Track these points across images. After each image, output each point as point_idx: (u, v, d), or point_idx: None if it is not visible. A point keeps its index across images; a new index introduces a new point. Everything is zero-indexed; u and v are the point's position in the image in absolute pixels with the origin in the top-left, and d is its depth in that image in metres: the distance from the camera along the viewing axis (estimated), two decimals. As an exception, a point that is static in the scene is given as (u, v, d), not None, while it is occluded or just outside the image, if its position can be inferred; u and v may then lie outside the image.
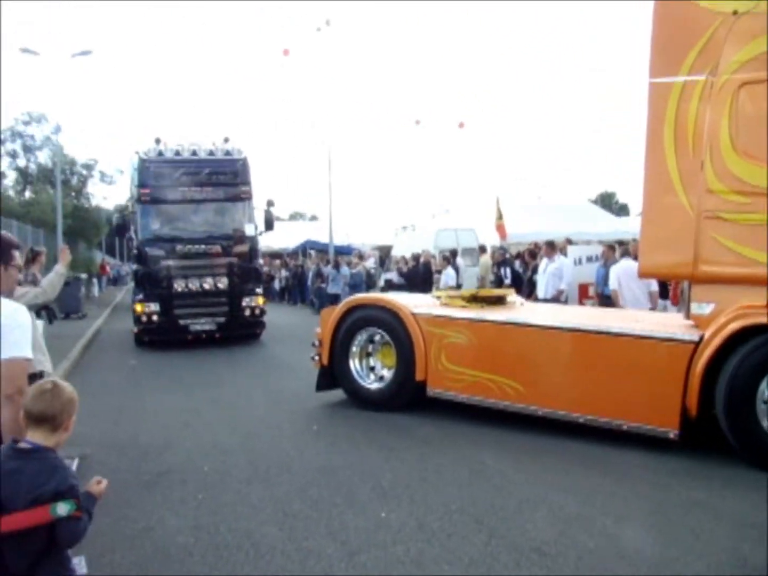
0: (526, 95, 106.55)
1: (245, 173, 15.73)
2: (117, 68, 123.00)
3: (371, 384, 8.75)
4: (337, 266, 21.14)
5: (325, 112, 28.47)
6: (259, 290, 15.63)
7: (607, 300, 11.66)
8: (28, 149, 38.91)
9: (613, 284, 11.03)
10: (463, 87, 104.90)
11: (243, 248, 15.49)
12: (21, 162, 39.41)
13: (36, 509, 2.70)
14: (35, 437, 2.87)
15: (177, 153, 15.32)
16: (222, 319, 15.05)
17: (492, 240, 21.43)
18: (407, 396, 8.41)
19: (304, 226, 47.08)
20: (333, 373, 9.03)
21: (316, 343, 9.19)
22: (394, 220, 37.96)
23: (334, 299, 20.01)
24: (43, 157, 39.41)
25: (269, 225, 16.10)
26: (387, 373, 8.66)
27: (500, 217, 20.97)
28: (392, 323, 8.47)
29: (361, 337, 8.84)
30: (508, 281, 14.88)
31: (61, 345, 13.84)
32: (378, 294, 9.86)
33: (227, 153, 15.61)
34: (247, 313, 15.29)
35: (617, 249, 12.32)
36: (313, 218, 69.17)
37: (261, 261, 17.20)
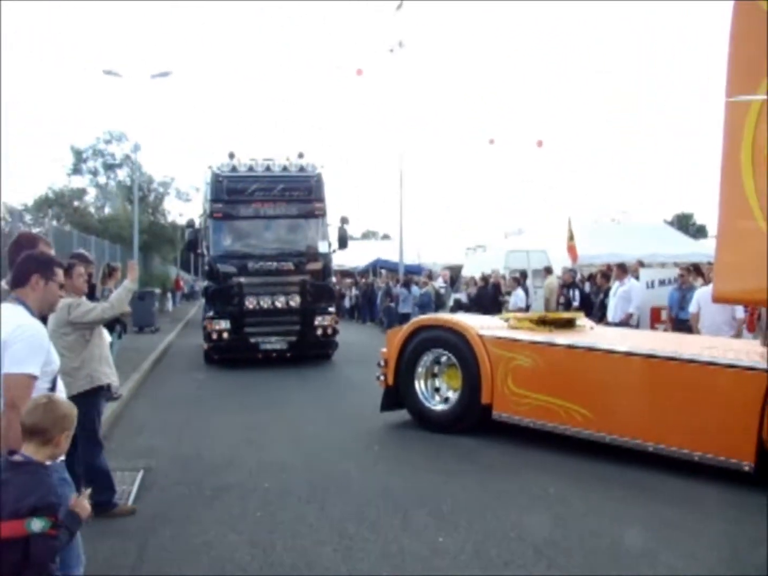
0: (602, 114, 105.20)
1: (319, 189, 15.59)
2: (194, 88, 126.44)
3: (436, 405, 8.72)
4: (407, 286, 21.15)
5: (398, 130, 28.65)
6: (331, 309, 15.42)
7: (681, 324, 11.34)
8: (108, 167, 40.27)
9: (693, 308, 10.69)
10: (539, 105, 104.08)
11: (316, 266, 15.26)
12: (101, 179, 40.82)
13: (13, 522, 2.75)
14: (28, 450, 2.95)
15: (251, 168, 15.27)
16: (293, 338, 14.81)
17: (564, 261, 21.12)
18: (472, 419, 8.35)
19: (375, 244, 47.35)
20: (398, 394, 9.05)
21: (382, 363, 9.23)
22: (466, 240, 37.80)
23: (404, 319, 20.01)
24: (122, 174, 40.78)
25: (343, 243, 15.94)
26: (452, 395, 8.62)
27: (571, 237, 20.60)
28: (459, 345, 8.44)
29: (426, 358, 8.84)
30: (576, 303, 14.63)
31: (133, 358, 14.29)
32: (445, 315, 9.81)
33: (301, 169, 15.50)
34: (319, 332, 14.99)
35: (691, 271, 11.99)
36: (385, 237, 69.50)
37: (334, 279, 17.03)
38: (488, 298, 17.51)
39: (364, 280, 31.51)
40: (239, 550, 5.02)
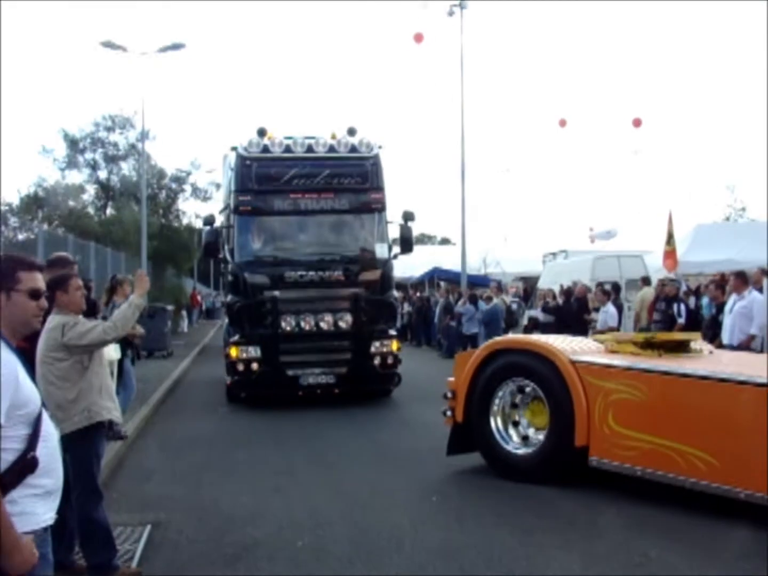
0: (714, 84, 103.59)
1: (377, 175, 14.54)
2: (211, 63, 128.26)
3: (518, 449, 8.58)
4: (474, 302, 21.04)
5: (460, 115, 28.46)
6: (392, 332, 14.53)
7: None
8: (110, 159, 40.89)
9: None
10: (629, 80, 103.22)
11: (373, 275, 14.22)
12: (102, 174, 41.49)
13: None
14: None
15: (287, 149, 14.19)
16: (343, 370, 13.76)
17: (664, 271, 20.84)
18: (563, 465, 8.16)
19: (432, 251, 47.29)
20: (469, 433, 8.93)
21: (449, 394, 9.08)
22: (542, 245, 37.57)
23: (468, 341, 19.96)
24: (128, 168, 41.38)
25: (407, 245, 15.04)
26: (537, 436, 8.49)
27: (670, 240, 20.24)
28: (545, 373, 8.26)
29: (505, 390, 8.71)
30: (681, 321, 14.40)
31: (141, 389, 14.33)
32: (527, 336, 9.60)
33: (353, 149, 14.43)
34: (377, 361, 13.92)
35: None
36: (444, 242, 69.57)
37: (396, 293, 16.03)
38: (572, 315, 17.33)
39: (418, 294, 31.51)
40: (267, 622, 5.03)
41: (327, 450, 10.27)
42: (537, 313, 21.33)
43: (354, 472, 9.04)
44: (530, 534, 6.65)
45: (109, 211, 40.65)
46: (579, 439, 7.89)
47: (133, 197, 37.49)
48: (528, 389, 8.56)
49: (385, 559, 6.12)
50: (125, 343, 10.27)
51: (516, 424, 8.70)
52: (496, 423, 8.69)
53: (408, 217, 14.87)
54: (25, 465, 3.07)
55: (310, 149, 14.23)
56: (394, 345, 14.21)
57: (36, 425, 3.15)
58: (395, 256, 14.98)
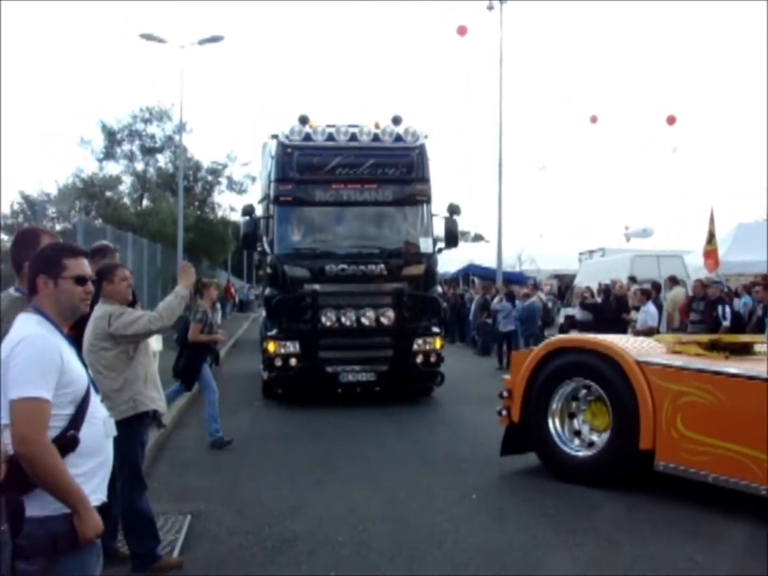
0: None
1: (423, 166, 14.13)
2: (251, 56, 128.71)
3: (577, 451, 8.43)
4: (511, 298, 20.89)
5: (498, 110, 28.29)
6: (436, 329, 14.23)
7: None
8: (147, 151, 41.18)
9: None
10: (666, 77, 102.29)
11: (417, 270, 13.90)
12: (139, 166, 41.79)
13: None
14: None
15: (330, 137, 13.79)
16: (385, 367, 13.46)
17: (703, 270, 20.58)
18: (627, 468, 7.97)
19: (466, 247, 47.11)
20: (525, 434, 8.81)
21: (505, 393, 8.94)
22: (578, 243, 37.28)
23: (506, 339, 19.81)
24: (164, 160, 41.64)
25: (452, 239, 14.51)
26: (597, 438, 8.35)
27: (711, 239, 19.93)
28: (609, 374, 8.07)
29: (564, 390, 8.58)
30: (727, 323, 14.23)
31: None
32: (589, 335, 9.42)
33: (399, 138, 14.01)
34: (420, 359, 13.63)
35: None
36: (478, 238, 69.38)
37: (440, 289, 15.49)
38: (610, 313, 17.17)
39: (452, 291, 31.41)
40: (310, 617, 5.01)
41: (366, 447, 10.25)
42: (574, 311, 21.15)
43: (393, 470, 9.00)
44: (575, 535, 6.57)
45: (145, 202, 40.96)
46: (644, 443, 7.69)
47: (169, 189, 37.74)
48: (589, 390, 8.45)
49: (427, 557, 6.09)
50: (205, 348, 10.48)
51: (575, 425, 8.59)
52: (554, 424, 8.55)
53: (454, 210, 14.50)
54: (65, 443, 3.14)
55: (353, 138, 13.85)
56: (438, 342, 13.91)
57: (81, 406, 3.24)
58: (440, 251, 14.55)
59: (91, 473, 3.24)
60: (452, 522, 6.95)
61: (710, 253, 19.92)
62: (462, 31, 27.25)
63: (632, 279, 19.95)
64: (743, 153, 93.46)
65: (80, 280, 3.41)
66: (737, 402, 7.19)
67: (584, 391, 8.49)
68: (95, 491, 3.25)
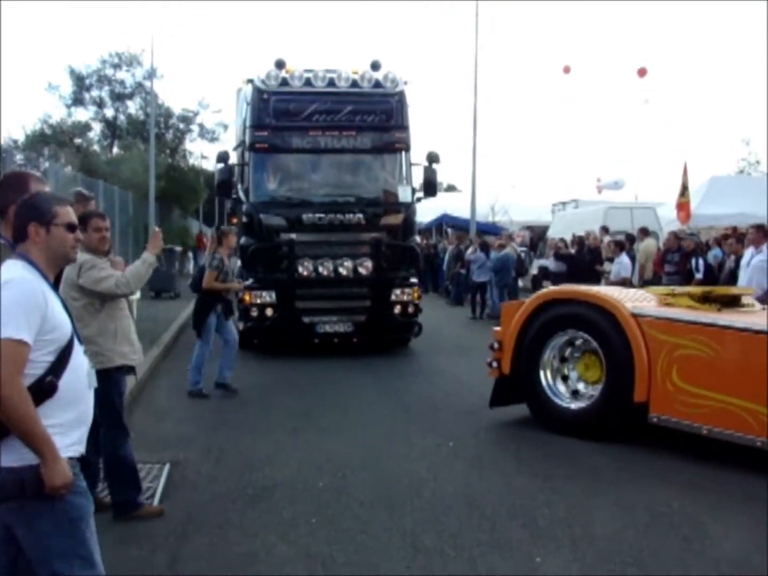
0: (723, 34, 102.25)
1: (402, 113, 13.83)
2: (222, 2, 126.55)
3: (569, 403, 8.38)
4: (485, 249, 20.91)
5: (471, 56, 27.92)
6: (414, 279, 14.04)
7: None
8: (117, 97, 40.58)
9: None
10: (637, 26, 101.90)
11: (395, 219, 13.63)
12: (108, 112, 41.23)
13: None
14: None
15: (308, 82, 13.43)
16: (362, 318, 13.38)
17: (676, 223, 20.70)
18: (620, 420, 7.96)
19: (440, 197, 46.99)
20: (515, 385, 8.78)
21: (495, 345, 8.85)
22: (551, 194, 37.39)
23: (479, 290, 19.88)
24: (134, 107, 41.08)
25: (430, 188, 14.11)
26: (588, 390, 8.32)
27: (684, 192, 20.03)
28: (603, 325, 8.02)
29: (557, 342, 8.50)
30: (699, 275, 14.34)
31: (151, 329, 14.42)
32: (583, 287, 9.28)
33: (377, 84, 13.67)
34: (398, 309, 13.55)
35: None
36: (451, 188, 69.16)
37: (418, 238, 15.28)
38: (584, 265, 17.25)
39: (426, 241, 31.36)
40: (291, 564, 5.04)
41: (343, 397, 10.26)
42: (548, 262, 21.26)
43: (371, 419, 9.05)
44: (552, 481, 6.65)
45: (115, 150, 40.50)
46: (638, 395, 7.67)
47: (140, 136, 37.29)
48: (580, 342, 8.41)
49: (406, 504, 6.12)
50: (217, 297, 10.25)
51: (566, 377, 8.53)
52: (545, 376, 8.49)
53: (433, 158, 14.15)
54: (43, 389, 3.10)
55: (331, 83, 13.54)
56: (415, 293, 13.83)
57: (63, 354, 3.21)
58: (418, 200, 14.28)
59: (70, 424, 3.20)
60: (430, 470, 7.00)
61: (683, 205, 20.05)
62: None
63: (605, 230, 20.04)
64: (717, 107, 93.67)
65: (71, 227, 3.41)
66: (734, 355, 7.21)
67: (578, 342, 8.43)
68: (75, 443, 3.23)
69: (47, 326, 3.14)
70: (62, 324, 3.23)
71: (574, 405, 8.33)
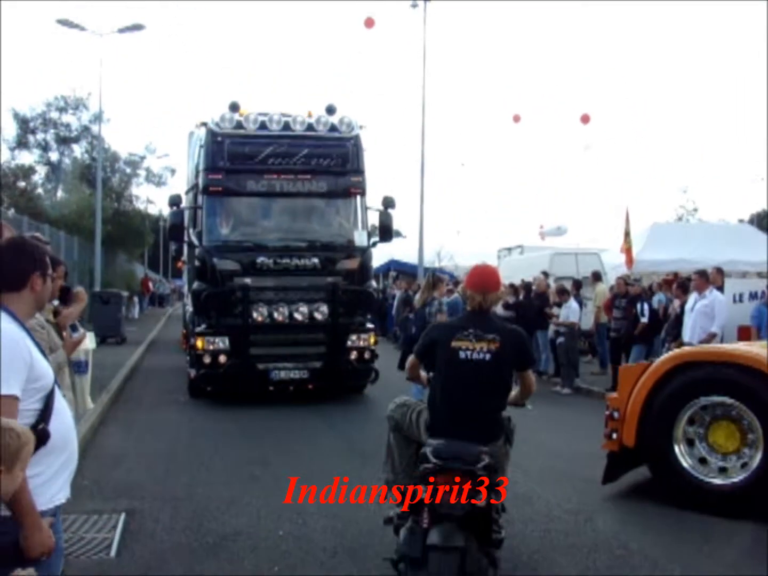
0: (661, 86, 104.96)
1: (358, 158, 13.77)
2: (172, 46, 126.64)
3: (713, 477, 7.40)
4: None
5: (418, 105, 28.30)
6: (370, 325, 13.78)
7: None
8: (62, 141, 40.23)
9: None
10: (579, 77, 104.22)
11: (351, 264, 13.44)
12: (53, 155, 40.79)
13: None
14: None
15: (262, 125, 13.31)
16: (318, 364, 13.07)
17: (621, 268, 21.04)
18: None
19: (386, 243, 47.44)
20: (635, 458, 7.94)
21: (615, 415, 7.87)
22: (495, 240, 37.73)
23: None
24: (80, 150, 40.75)
25: (386, 233, 14.18)
26: (734, 462, 7.39)
27: (627, 238, 20.35)
28: (756, 389, 7.15)
29: (692, 411, 7.55)
30: (645, 320, 14.58)
31: (100, 374, 14.11)
32: (720, 346, 8.68)
33: (333, 128, 13.63)
34: (354, 355, 13.31)
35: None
36: (397, 234, 69.55)
37: (374, 283, 15.22)
38: (532, 310, 17.41)
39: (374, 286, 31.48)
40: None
41: (296, 441, 10.22)
42: (497, 308, 21.39)
43: (326, 465, 8.95)
44: (511, 526, 6.67)
45: (59, 193, 40.09)
46: None
47: (85, 180, 36.99)
48: (718, 410, 7.51)
49: (368, 550, 6.10)
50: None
51: (699, 449, 7.59)
52: (680, 448, 7.54)
53: (388, 203, 14.07)
54: (37, 437, 3.01)
55: (286, 127, 13.42)
56: (372, 339, 13.58)
57: (48, 401, 3.20)
58: (374, 244, 14.15)
59: (56, 470, 3.19)
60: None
61: (626, 251, 20.41)
62: (369, 23, 26.77)
63: (545, 274, 20.17)
64: (655, 155, 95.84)
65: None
66: None
67: (715, 410, 7.53)
68: (61, 489, 3.22)
69: (32, 375, 3.12)
70: (46, 371, 3.23)
71: (719, 481, 7.37)
